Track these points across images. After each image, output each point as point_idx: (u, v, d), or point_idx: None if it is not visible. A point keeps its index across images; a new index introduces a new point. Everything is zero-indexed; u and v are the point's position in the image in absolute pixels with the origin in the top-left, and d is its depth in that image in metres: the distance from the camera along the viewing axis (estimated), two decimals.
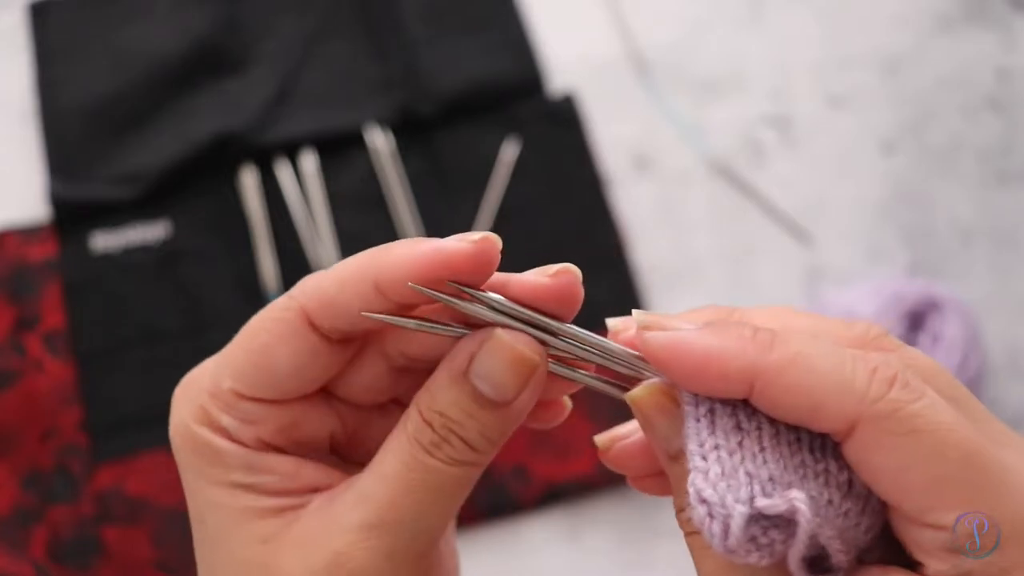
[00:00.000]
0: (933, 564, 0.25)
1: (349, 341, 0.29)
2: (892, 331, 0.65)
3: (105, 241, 0.74)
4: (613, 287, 0.67)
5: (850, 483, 0.27)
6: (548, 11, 0.82)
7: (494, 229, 0.74)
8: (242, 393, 0.28)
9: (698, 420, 0.27)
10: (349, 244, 0.74)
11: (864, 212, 0.75)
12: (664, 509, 0.68)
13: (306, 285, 0.28)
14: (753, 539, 0.26)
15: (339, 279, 0.28)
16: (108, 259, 0.74)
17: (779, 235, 0.75)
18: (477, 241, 0.27)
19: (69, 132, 0.77)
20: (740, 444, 0.27)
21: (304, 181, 0.76)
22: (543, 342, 0.28)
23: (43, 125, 0.77)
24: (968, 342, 0.64)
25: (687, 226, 0.75)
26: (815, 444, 0.27)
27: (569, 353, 0.28)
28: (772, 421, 0.27)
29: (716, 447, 0.27)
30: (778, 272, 0.74)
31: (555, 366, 0.29)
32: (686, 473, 0.27)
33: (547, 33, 0.81)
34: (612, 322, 0.29)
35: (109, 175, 0.76)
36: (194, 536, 0.29)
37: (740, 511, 0.26)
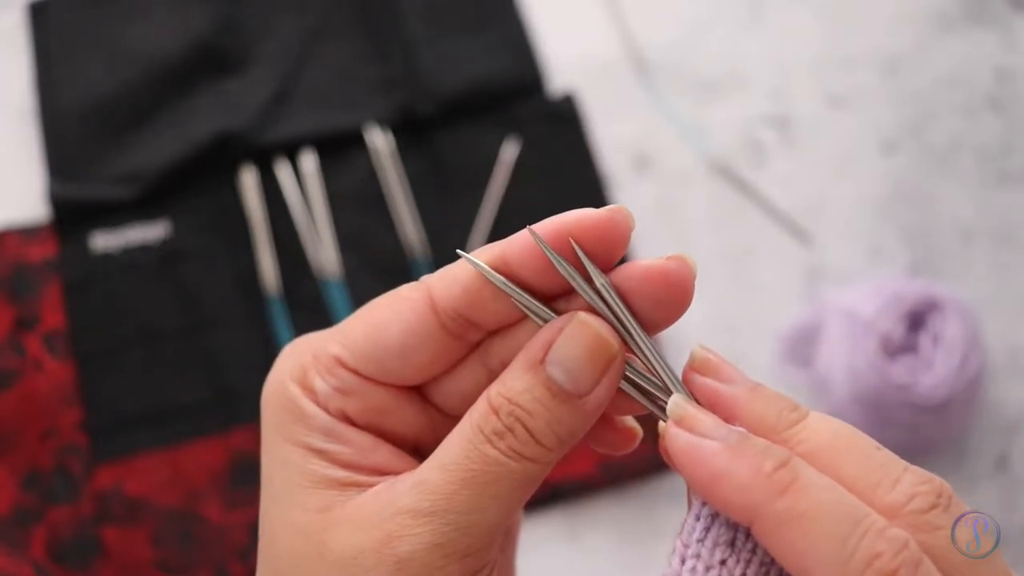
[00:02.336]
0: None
1: (462, 338, 0.28)
2: (892, 331, 0.65)
3: (105, 241, 0.74)
4: None
5: None
6: (548, 11, 0.82)
7: (494, 229, 0.74)
8: (345, 362, 0.29)
9: (697, 519, 0.26)
10: (349, 244, 0.74)
11: (864, 212, 0.75)
12: (664, 509, 0.68)
13: (439, 271, 0.28)
14: None
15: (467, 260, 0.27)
16: (108, 259, 0.74)
17: (779, 235, 0.75)
18: (609, 210, 0.26)
19: (69, 132, 0.77)
20: (723, 563, 0.26)
21: (304, 181, 0.76)
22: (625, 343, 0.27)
23: (43, 125, 0.77)
24: (968, 342, 0.64)
25: (687, 226, 0.75)
26: None
27: (640, 370, 0.27)
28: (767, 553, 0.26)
29: (697, 555, 0.26)
30: (778, 272, 0.74)
31: (624, 383, 0.28)
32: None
33: (547, 33, 0.81)
34: (699, 353, 0.27)
35: (109, 175, 0.76)
36: (261, 495, 0.29)
37: None
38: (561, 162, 0.77)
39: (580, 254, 0.26)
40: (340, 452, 0.28)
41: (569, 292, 0.27)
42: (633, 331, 0.27)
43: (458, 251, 0.28)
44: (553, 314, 0.27)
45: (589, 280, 0.26)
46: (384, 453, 0.29)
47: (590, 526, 0.68)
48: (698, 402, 0.27)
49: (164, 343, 0.72)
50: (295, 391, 0.29)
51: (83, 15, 0.81)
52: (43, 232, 0.74)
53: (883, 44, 0.80)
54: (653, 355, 0.27)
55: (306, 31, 0.81)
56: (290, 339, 0.71)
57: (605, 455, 0.68)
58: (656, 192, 0.76)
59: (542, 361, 0.26)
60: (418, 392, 0.30)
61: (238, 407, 0.70)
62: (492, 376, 0.28)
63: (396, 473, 0.28)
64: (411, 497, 0.26)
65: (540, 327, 0.27)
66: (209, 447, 0.69)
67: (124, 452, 0.69)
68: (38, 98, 0.78)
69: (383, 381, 0.29)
